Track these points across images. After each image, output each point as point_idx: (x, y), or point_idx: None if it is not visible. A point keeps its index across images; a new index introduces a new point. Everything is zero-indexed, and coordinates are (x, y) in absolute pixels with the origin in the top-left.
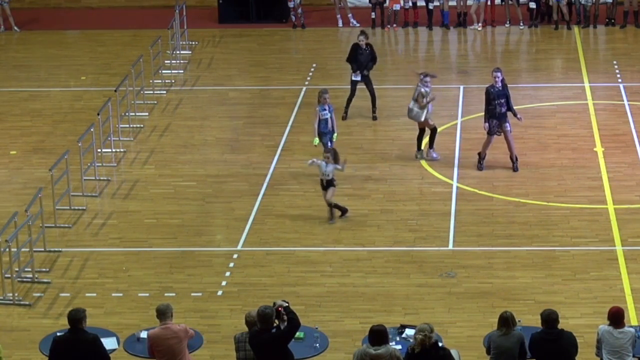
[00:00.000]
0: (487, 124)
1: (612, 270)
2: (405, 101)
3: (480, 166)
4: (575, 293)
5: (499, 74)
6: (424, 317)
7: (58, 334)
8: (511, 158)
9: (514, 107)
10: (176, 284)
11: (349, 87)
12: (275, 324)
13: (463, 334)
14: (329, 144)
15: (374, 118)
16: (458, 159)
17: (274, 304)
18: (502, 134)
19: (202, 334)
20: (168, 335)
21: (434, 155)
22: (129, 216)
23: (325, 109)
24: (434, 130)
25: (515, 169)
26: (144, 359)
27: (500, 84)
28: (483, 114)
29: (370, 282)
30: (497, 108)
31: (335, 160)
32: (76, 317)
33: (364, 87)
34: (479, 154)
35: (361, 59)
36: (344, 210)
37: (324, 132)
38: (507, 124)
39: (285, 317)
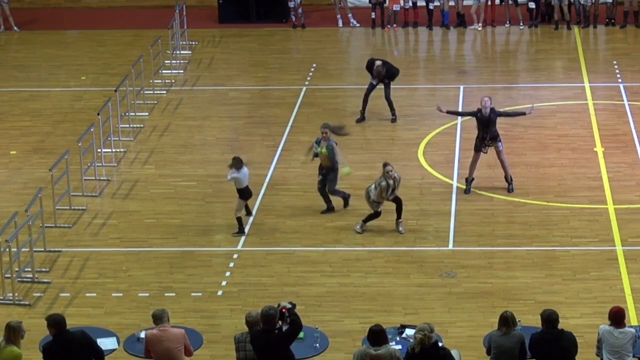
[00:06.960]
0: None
1: (612, 270)
2: (405, 101)
3: (467, 189)
4: (575, 293)
5: (487, 101)
6: (424, 317)
7: (44, 342)
8: (506, 178)
9: (510, 111)
10: (176, 284)
11: (349, 87)
12: (278, 325)
13: (463, 334)
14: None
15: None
16: (458, 159)
17: (279, 305)
18: (487, 152)
19: (202, 334)
20: (164, 337)
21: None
22: (129, 216)
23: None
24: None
25: (510, 190)
26: (143, 359)
27: (487, 111)
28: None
29: (370, 282)
30: (482, 133)
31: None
32: (61, 320)
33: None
34: (466, 178)
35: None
36: (240, 229)
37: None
38: (499, 143)
39: (288, 319)
